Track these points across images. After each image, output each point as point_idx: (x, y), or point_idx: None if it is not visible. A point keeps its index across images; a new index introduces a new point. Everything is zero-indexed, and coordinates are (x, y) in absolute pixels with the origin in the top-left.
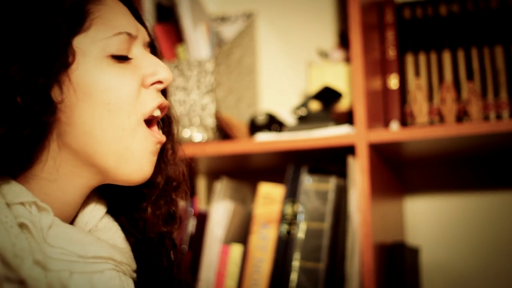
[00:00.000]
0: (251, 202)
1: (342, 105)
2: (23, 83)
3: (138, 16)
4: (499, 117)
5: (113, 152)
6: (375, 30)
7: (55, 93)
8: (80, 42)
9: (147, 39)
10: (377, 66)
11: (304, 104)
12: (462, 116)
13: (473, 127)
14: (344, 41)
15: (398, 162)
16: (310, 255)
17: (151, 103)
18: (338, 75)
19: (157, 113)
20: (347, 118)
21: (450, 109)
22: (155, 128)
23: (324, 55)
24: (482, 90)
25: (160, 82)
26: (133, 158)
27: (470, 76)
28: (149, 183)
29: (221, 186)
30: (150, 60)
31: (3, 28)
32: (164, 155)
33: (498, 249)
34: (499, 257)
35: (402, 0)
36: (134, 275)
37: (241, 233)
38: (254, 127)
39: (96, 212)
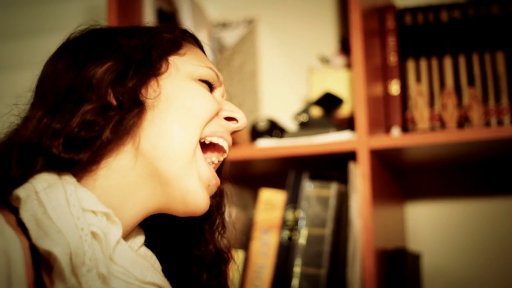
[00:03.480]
0: (253, 208)
1: (343, 111)
2: (117, 78)
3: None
4: (500, 123)
5: (178, 160)
6: (376, 36)
7: (142, 94)
8: (175, 61)
9: (224, 92)
10: (378, 72)
11: (305, 110)
12: (463, 122)
13: (474, 133)
14: (345, 47)
15: (399, 168)
16: (311, 261)
17: (215, 127)
18: (339, 81)
19: (217, 140)
20: (348, 124)
21: (451, 115)
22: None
23: (325, 61)
24: (483, 96)
25: (235, 120)
26: (191, 176)
27: (471, 82)
28: (201, 249)
29: None
30: (229, 104)
31: (109, 42)
32: (215, 227)
33: (499, 255)
34: (500, 263)
35: (403, 6)
36: None
37: (243, 239)
38: (255, 133)
39: (138, 238)
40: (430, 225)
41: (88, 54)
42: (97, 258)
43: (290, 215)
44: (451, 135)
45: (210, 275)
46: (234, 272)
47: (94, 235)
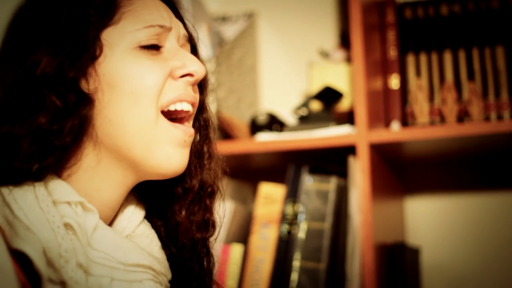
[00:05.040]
0: (252, 202)
1: (343, 105)
2: (54, 77)
3: (176, 11)
4: (500, 117)
5: (139, 143)
6: (376, 30)
7: (84, 86)
8: (109, 35)
9: (183, 32)
10: (378, 66)
11: (305, 104)
12: (463, 116)
13: (474, 128)
14: (345, 41)
15: (399, 162)
16: (310, 255)
17: (171, 94)
18: (339, 75)
19: (185, 107)
20: (348, 118)
21: (451, 109)
22: (187, 123)
23: (325, 55)
24: (483, 90)
25: (190, 75)
26: (159, 149)
27: (471, 77)
28: (184, 187)
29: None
30: (180, 54)
31: (36, 22)
32: (201, 159)
33: (498, 249)
34: (500, 258)
35: (403, 0)
36: (169, 285)
37: (242, 233)
38: (255, 127)
39: (134, 216)
40: (430, 219)
41: (22, 49)
42: (75, 248)
43: (289, 209)
44: (450, 130)
45: (192, 211)
46: (232, 265)
47: (68, 226)
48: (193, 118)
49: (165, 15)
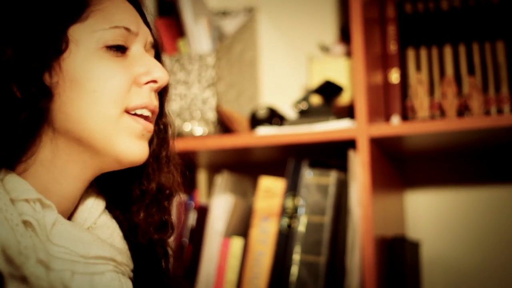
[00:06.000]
0: (252, 196)
1: (343, 99)
2: (18, 67)
3: (143, 16)
4: (500, 111)
5: (100, 138)
6: (376, 25)
7: (46, 80)
8: (75, 31)
9: (150, 39)
10: (378, 61)
11: (305, 98)
12: (463, 110)
13: (474, 122)
14: (345, 36)
15: (399, 156)
16: (310, 248)
17: (137, 100)
18: (339, 69)
19: (145, 113)
20: (348, 112)
21: (451, 103)
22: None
23: (325, 49)
24: (483, 84)
25: (154, 81)
26: (120, 143)
27: (471, 71)
28: (141, 189)
29: (222, 179)
30: (146, 60)
31: (5, 11)
32: (159, 162)
33: (498, 243)
34: (500, 251)
35: None
36: (132, 274)
37: (242, 226)
38: (255, 121)
39: (95, 208)
40: (430, 213)
41: None
42: (34, 244)
43: (289, 203)
44: (450, 124)
45: (150, 212)
46: (232, 258)
47: (26, 223)
48: (153, 123)
49: (133, 19)
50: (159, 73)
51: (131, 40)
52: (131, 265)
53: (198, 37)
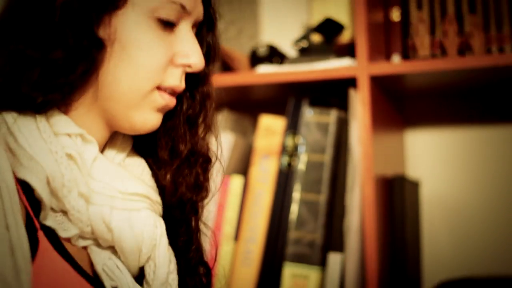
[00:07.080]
0: (252, 134)
1: (344, 38)
2: (75, 16)
3: None
4: (501, 50)
5: (125, 104)
6: None
7: (100, 32)
8: None
9: (200, 18)
10: None
11: (306, 37)
12: (464, 49)
13: (475, 60)
14: None
15: (399, 95)
16: (310, 187)
17: (170, 81)
18: (340, 7)
19: (171, 92)
20: (349, 50)
21: (452, 42)
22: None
23: None
24: (484, 23)
25: (189, 66)
26: (140, 114)
27: (472, 9)
28: (172, 150)
29: (222, 118)
30: (189, 42)
31: None
32: (194, 128)
33: (497, 182)
34: (499, 190)
35: None
36: (162, 214)
37: (242, 165)
38: (255, 59)
39: (124, 146)
40: (429, 152)
41: None
42: (76, 178)
43: (289, 141)
44: (451, 62)
45: (180, 174)
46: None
47: (69, 156)
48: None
49: None
50: (196, 60)
51: (183, 17)
52: (161, 204)
53: None
